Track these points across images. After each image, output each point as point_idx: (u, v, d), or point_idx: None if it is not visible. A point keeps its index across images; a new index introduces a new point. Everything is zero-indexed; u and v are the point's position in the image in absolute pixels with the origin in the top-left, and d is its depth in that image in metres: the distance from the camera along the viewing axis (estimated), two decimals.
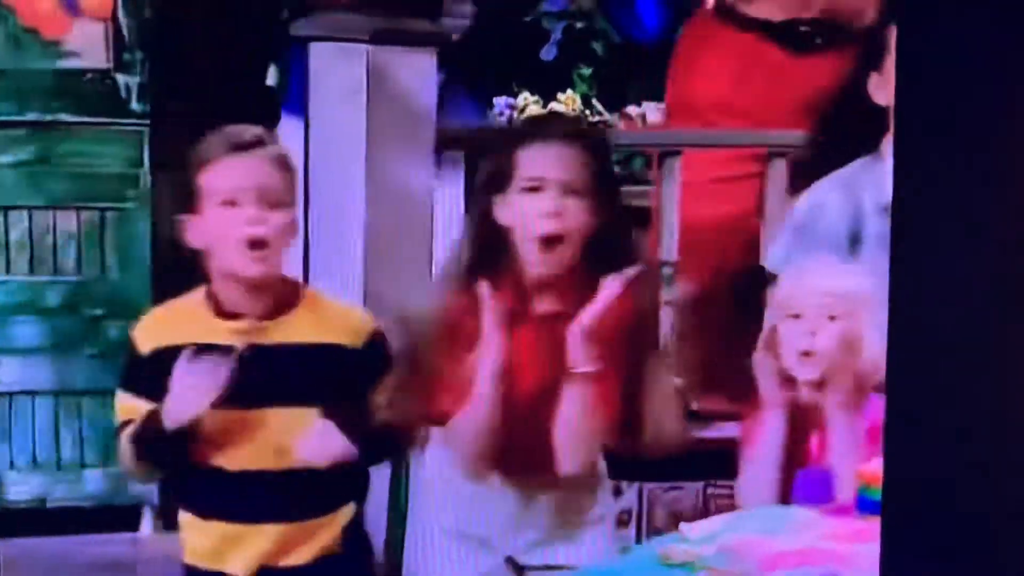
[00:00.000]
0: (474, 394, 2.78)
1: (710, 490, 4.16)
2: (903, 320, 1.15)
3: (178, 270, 4.41)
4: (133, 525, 4.34)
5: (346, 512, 2.92)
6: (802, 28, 4.48)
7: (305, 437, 2.81)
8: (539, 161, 2.82)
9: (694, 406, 3.83)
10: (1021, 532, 1.10)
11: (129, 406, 2.84)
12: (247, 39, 4.45)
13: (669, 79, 4.72)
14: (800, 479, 2.72)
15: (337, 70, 3.90)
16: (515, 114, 5.08)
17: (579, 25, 5.52)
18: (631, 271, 2.79)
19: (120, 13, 4.21)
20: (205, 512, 2.87)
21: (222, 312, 2.84)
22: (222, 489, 2.84)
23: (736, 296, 3.91)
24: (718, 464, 3.44)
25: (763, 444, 2.87)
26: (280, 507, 2.85)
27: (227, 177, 2.82)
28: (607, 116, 5.26)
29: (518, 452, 2.82)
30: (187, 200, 2.87)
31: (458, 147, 4.29)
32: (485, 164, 2.96)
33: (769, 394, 2.87)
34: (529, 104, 5.14)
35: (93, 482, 4.33)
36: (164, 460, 2.86)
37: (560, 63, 5.48)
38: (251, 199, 2.79)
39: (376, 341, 2.92)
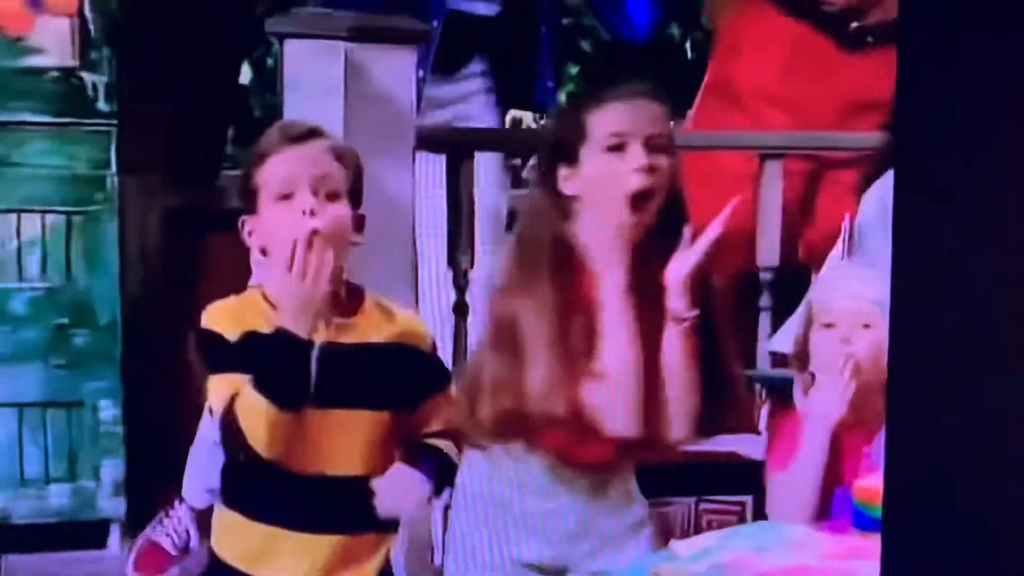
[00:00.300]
0: (602, 370, 2.79)
1: (702, 505, 4.16)
2: (905, 321, 1.16)
3: (148, 276, 4.44)
4: (100, 542, 4.32)
5: (391, 536, 2.93)
6: (855, 24, 4.48)
7: (385, 489, 2.82)
8: (620, 117, 2.85)
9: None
10: (1021, 536, 1.10)
11: (233, 380, 2.75)
12: (220, 36, 4.44)
13: (711, 57, 4.72)
14: (839, 497, 2.72)
15: (314, 68, 3.89)
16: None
17: (566, 22, 5.52)
18: (725, 214, 2.81)
19: (86, 9, 4.18)
20: (255, 512, 2.86)
21: None
22: (278, 490, 2.83)
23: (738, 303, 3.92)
24: (710, 479, 3.45)
25: (797, 460, 2.88)
26: (336, 516, 2.84)
27: (281, 169, 2.83)
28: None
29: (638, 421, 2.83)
30: (244, 200, 2.88)
31: (439, 148, 4.29)
32: (544, 138, 2.97)
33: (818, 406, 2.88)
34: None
35: (59, 498, 4.32)
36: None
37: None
38: (305, 190, 2.79)
39: (435, 346, 2.99)
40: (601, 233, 2.84)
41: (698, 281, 2.85)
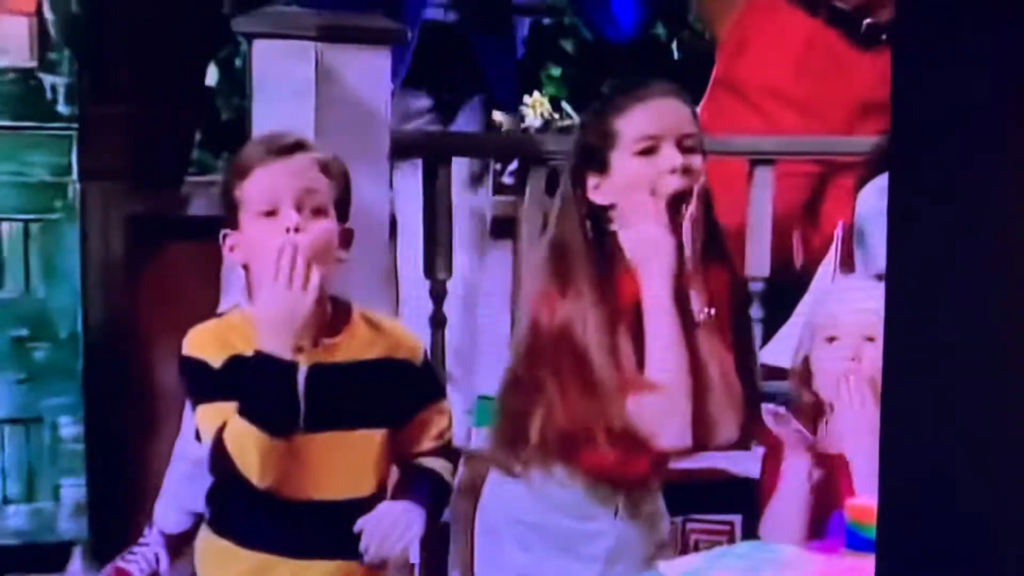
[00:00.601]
0: (653, 380, 2.78)
1: (689, 525, 4.16)
2: (900, 323, 1.16)
3: (110, 286, 4.43)
4: (61, 566, 4.31)
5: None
6: (868, 21, 4.48)
7: (373, 530, 2.80)
8: (650, 119, 2.86)
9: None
10: (1019, 537, 1.11)
11: (221, 408, 2.76)
12: (185, 35, 4.43)
13: (719, 50, 4.72)
14: (835, 520, 2.72)
15: (283, 70, 3.88)
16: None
17: (547, 21, 5.52)
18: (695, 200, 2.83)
19: (45, 8, 4.18)
20: (245, 539, 2.86)
21: None
22: (270, 515, 2.82)
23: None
24: (698, 497, 3.45)
25: (789, 480, 2.88)
26: (330, 541, 2.84)
27: (264, 184, 2.82)
28: (577, 121, 5.27)
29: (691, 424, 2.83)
30: (225, 214, 2.87)
31: (415, 153, 4.29)
32: (572, 147, 2.98)
33: (794, 434, 2.88)
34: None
35: (17, 519, 4.30)
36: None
37: (527, 63, 5.49)
38: (290, 206, 2.79)
39: (426, 358, 3.00)
40: (640, 239, 2.84)
41: (721, 284, 2.89)
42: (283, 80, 3.88)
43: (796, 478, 2.86)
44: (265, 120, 3.92)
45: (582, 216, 2.89)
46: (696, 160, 2.87)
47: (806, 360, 3.00)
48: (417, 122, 4.51)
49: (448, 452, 2.99)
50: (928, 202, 1.15)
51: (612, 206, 2.87)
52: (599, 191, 2.89)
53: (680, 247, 2.84)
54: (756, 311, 4.36)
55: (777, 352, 3.54)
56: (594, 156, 2.89)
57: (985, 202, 1.10)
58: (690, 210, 2.83)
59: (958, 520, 1.13)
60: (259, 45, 3.93)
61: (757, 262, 4.37)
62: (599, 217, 2.89)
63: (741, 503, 3.44)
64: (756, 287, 4.36)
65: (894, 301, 1.19)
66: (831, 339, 2.94)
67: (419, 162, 4.24)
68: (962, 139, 1.14)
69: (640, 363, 2.82)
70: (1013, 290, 1.07)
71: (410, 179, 4.33)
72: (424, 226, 4.19)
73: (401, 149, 4.09)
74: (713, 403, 2.85)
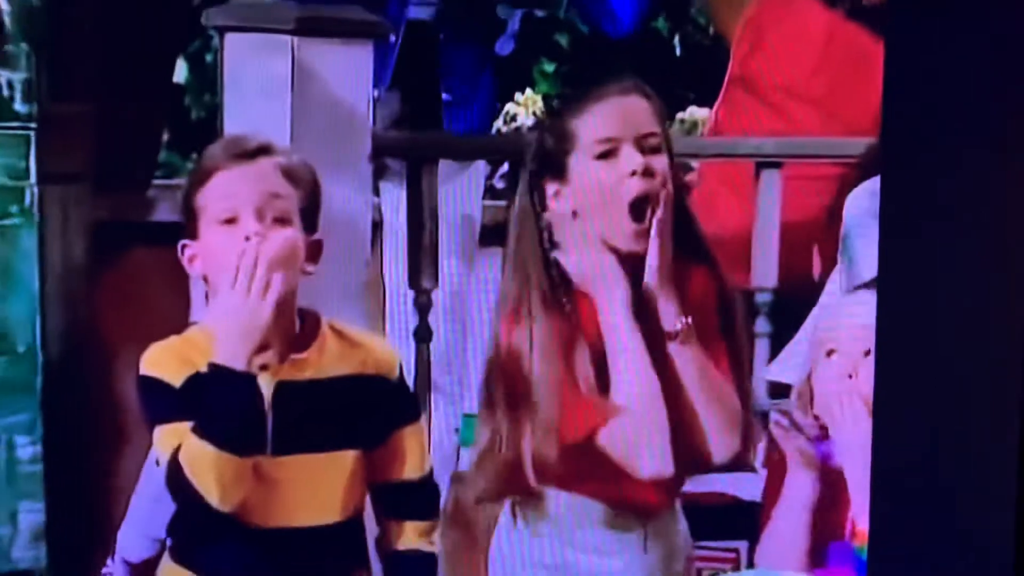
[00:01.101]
0: (620, 405, 2.77)
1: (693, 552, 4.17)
2: (891, 329, 1.18)
3: (71, 298, 4.43)
4: None
5: None
6: None
7: None
8: (607, 120, 2.86)
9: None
10: (1008, 550, 1.13)
11: (181, 430, 2.74)
12: (152, 29, 4.44)
13: (734, 45, 4.73)
14: (836, 549, 2.74)
15: (257, 65, 3.89)
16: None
17: (540, 14, 5.53)
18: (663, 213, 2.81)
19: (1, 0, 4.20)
20: (210, 570, 2.85)
21: None
22: (237, 545, 2.82)
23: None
24: (701, 522, 3.45)
25: (790, 497, 2.89)
26: (302, 571, 2.85)
27: (224, 190, 2.81)
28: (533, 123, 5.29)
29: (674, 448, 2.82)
30: (184, 222, 2.86)
31: (398, 154, 4.29)
32: (530, 152, 2.95)
33: (800, 451, 2.89)
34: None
35: None
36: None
37: (518, 58, 5.50)
38: (250, 214, 2.78)
39: (403, 374, 2.97)
40: (601, 250, 2.84)
41: (704, 290, 2.88)
42: (257, 76, 3.89)
43: (798, 495, 2.87)
44: (237, 119, 3.93)
45: (539, 229, 2.87)
46: (660, 161, 2.84)
47: (807, 383, 3.00)
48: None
49: (428, 493, 2.99)
50: (921, 205, 1.17)
51: (574, 214, 2.86)
52: (559, 199, 2.87)
53: (636, 265, 2.81)
54: (763, 325, 4.36)
55: (783, 369, 3.56)
56: (552, 161, 2.88)
57: (979, 206, 1.12)
58: (658, 215, 2.81)
59: (948, 532, 1.15)
60: (231, 39, 3.94)
61: (764, 271, 4.38)
62: (557, 228, 2.87)
63: (747, 529, 3.45)
64: (763, 298, 4.37)
65: (886, 308, 1.21)
66: (830, 353, 2.94)
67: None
68: (955, 141, 1.16)
69: (605, 384, 2.81)
70: (1008, 295, 1.09)
71: (397, 184, 4.34)
72: (408, 233, 4.19)
73: (383, 150, 4.09)
74: (701, 418, 2.84)
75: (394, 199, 4.37)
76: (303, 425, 2.82)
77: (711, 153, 4.68)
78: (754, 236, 4.36)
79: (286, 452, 2.79)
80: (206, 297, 2.87)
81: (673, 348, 2.82)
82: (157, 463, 2.81)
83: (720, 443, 2.86)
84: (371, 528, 2.98)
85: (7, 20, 4.21)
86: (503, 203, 4.53)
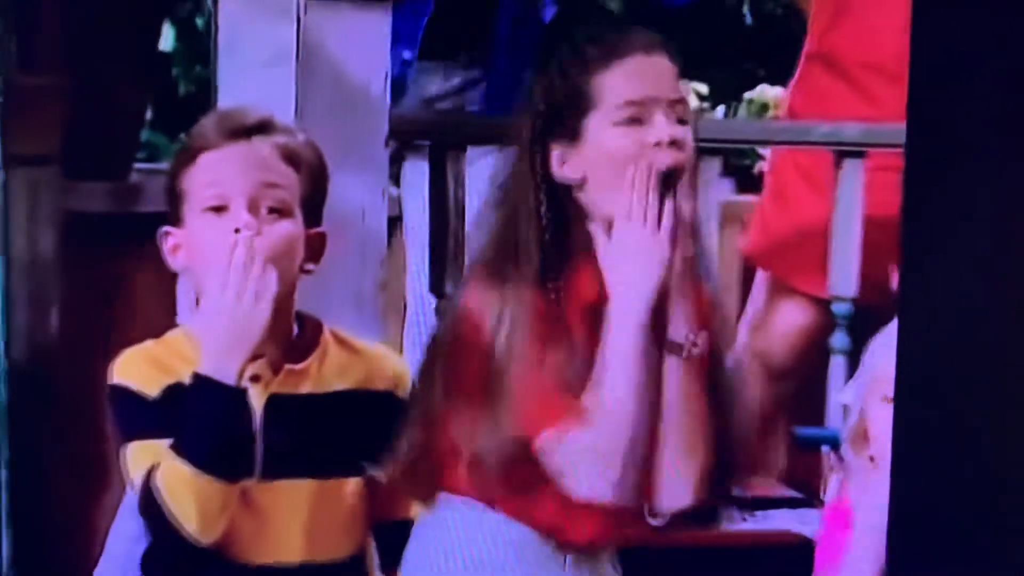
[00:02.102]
0: (598, 403, 2.77)
1: None
2: (913, 335, 1.23)
3: (41, 300, 4.48)
4: None
5: None
6: None
7: None
8: (638, 80, 2.86)
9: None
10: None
11: (156, 447, 2.78)
12: None
13: (812, 15, 4.78)
14: None
15: (256, 31, 3.90)
16: None
17: None
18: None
19: None
20: None
21: None
22: None
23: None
24: (760, 564, 3.47)
25: (859, 544, 2.92)
26: None
27: (213, 173, 2.83)
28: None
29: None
30: (168, 206, 2.88)
31: (419, 135, 4.32)
32: (533, 107, 2.95)
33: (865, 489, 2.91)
34: None
35: None
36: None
37: (560, 26, 5.53)
38: (241, 202, 2.80)
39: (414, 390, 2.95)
40: (623, 241, 2.83)
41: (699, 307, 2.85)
42: (256, 44, 3.87)
43: (869, 542, 2.89)
44: (233, 94, 3.91)
45: (538, 197, 2.87)
46: (686, 133, 2.84)
47: (861, 421, 3.01)
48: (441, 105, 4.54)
49: None
50: (943, 203, 1.21)
51: (582, 182, 2.86)
52: (567, 165, 2.86)
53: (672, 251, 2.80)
54: (841, 340, 4.40)
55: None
56: (562, 121, 2.87)
57: (1003, 205, 1.16)
58: (677, 198, 2.82)
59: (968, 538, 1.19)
60: (226, 4, 3.97)
61: (842, 278, 4.42)
62: (559, 197, 2.86)
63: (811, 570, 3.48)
64: (841, 309, 4.41)
65: (907, 311, 1.24)
66: (887, 400, 2.91)
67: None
68: (978, 139, 1.20)
69: (578, 384, 2.78)
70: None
71: (420, 173, 4.35)
72: (430, 231, 4.21)
73: (403, 133, 4.12)
74: (665, 454, 2.83)
75: (417, 190, 4.38)
76: (298, 446, 2.83)
77: (783, 139, 4.72)
78: (832, 236, 4.39)
79: (277, 477, 2.82)
80: (196, 301, 2.89)
81: (670, 363, 2.82)
82: (131, 487, 2.82)
83: (673, 489, 2.84)
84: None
85: None
86: None
